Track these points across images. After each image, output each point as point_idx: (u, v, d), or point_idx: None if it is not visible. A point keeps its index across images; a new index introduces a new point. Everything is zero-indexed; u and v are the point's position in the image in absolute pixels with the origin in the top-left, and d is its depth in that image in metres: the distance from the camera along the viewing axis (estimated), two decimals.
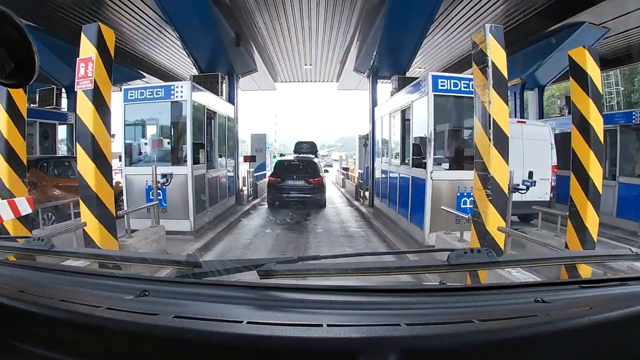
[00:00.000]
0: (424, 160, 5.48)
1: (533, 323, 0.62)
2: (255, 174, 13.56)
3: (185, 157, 6.25)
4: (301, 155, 11.28)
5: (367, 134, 12.15)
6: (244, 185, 11.01)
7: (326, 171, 12.16)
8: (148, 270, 1.14)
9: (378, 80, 10.14)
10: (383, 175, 7.92)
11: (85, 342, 0.65)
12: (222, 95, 8.50)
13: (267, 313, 0.70)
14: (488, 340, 0.59)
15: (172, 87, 6.14)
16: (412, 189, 5.79)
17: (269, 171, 17.34)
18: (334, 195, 13.81)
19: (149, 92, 6.26)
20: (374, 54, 9.14)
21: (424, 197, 5.23)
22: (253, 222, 8.02)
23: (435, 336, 0.59)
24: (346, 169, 17.99)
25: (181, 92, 6.06)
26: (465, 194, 5.38)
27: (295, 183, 9.24)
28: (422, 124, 5.56)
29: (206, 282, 0.83)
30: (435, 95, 5.23)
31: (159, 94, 6.21)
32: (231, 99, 9.73)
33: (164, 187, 5.39)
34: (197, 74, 8.96)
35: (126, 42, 10.10)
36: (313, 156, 11.24)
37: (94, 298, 0.75)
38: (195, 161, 6.26)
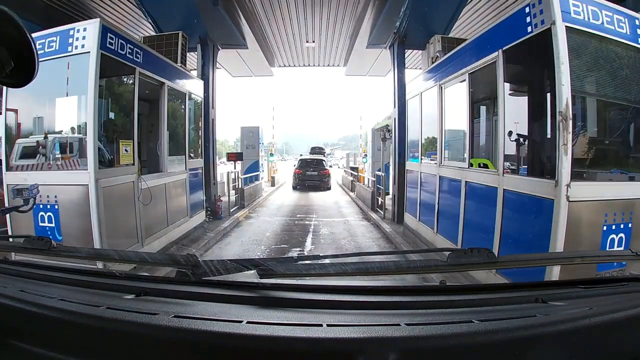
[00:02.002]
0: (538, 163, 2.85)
1: (533, 323, 0.61)
2: (245, 176, 10.97)
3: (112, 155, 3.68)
4: (315, 154, 16.98)
5: (387, 125, 9.57)
6: (233, 190, 8.43)
7: (330, 166, 16.23)
8: (147, 270, 1.05)
9: (406, 50, 7.48)
10: (425, 183, 5.26)
11: (85, 341, 0.64)
12: (182, 63, 5.83)
13: (267, 313, 0.69)
14: (488, 341, 0.58)
15: (72, 34, 3.51)
16: (503, 214, 3.13)
17: (263, 172, 14.81)
18: (342, 202, 11.15)
19: (39, 44, 3.64)
20: (403, 9, 6.50)
21: (544, 234, 2.58)
22: (230, 251, 5.41)
23: (435, 336, 0.58)
24: (355, 169, 15.33)
25: (83, 39, 3.43)
26: (613, 226, 2.76)
27: (312, 173, 13.91)
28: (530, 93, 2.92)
29: (205, 282, 0.80)
30: (570, 30, 2.58)
31: (52, 46, 3.59)
32: (205, 75, 7.11)
33: (19, 211, 2.77)
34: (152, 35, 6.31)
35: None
36: (322, 156, 16.94)
37: (93, 297, 0.74)
38: (110, 162, 3.66)
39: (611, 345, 0.63)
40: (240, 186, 8.59)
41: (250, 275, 0.79)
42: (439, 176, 4.56)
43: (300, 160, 15.17)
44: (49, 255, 0.96)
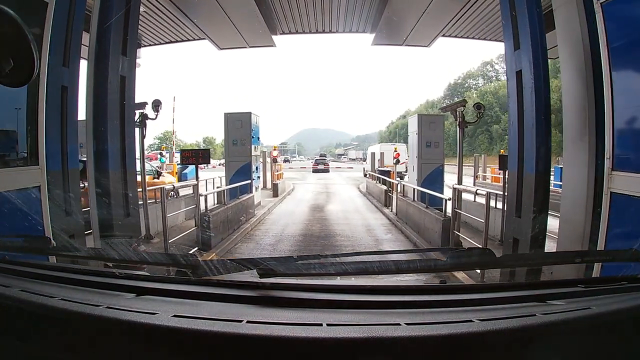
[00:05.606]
0: None
1: (533, 323, 0.60)
2: (229, 187, 7.23)
3: None
4: (321, 157, 35.53)
5: (463, 100, 5.83)
6: (199, 214, 4.66)
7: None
8: (147, 269, 1.02)
9: None
10: None
11: (85, 341, 0.64)
12: None
13: (267, 312, 0.68)
14: (487, 340, 0.58)
15: None
16: None
17: (258, 177, 11.01)
18: (378, 228, 7.27)
19: None
20: None
21: None
22: None
23: (435, 336, 0.57)
24: (386, 172, 11.38)
25: None
26: None
27: (321, 166, 27.74)
28: None
29: (205, 282, 0.80)
30: None
31: None
32: None
33: None
34: None
35: None
36: (325, 157, 37.06)
37: (93, 297, 0.73)
38: None
39: (610, 345, 0.62)
40: (200, 210, 4.78)
41: (250, 275, 0.78)
42: None
43: (315, 159, 30.36)
44: (49, 254, 0.98)
